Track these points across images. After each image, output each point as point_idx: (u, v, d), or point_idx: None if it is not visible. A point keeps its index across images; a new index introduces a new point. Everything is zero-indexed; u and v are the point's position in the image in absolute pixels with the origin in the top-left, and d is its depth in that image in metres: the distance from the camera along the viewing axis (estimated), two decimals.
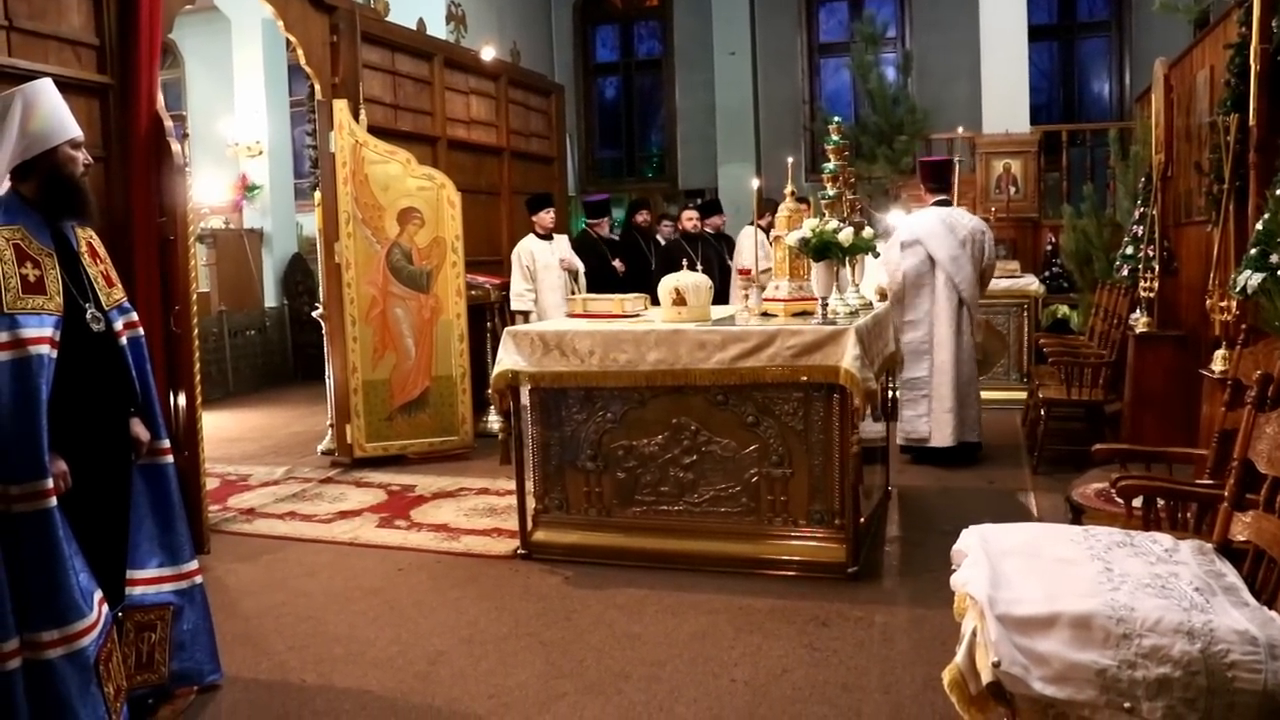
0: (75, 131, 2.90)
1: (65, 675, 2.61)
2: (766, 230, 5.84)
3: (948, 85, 10.99)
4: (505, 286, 7.75)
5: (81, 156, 2.91)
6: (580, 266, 7.95)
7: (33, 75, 3.19)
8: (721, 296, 7.21)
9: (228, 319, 10.25)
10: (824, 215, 4.54)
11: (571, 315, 5.01)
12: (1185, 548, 2.31)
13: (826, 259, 4.27)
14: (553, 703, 3.17)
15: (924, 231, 6.00)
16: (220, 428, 8.06)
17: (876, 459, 5.08)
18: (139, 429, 3.02)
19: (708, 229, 8.73)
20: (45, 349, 2.66)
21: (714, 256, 8.38)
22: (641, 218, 9.05)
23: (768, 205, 7.31)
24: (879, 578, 4.18)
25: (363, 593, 4.22)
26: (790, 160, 4.95)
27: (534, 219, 7.89)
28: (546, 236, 7.87)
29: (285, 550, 4.86)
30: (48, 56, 4.34)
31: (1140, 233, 6.26)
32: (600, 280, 8.02)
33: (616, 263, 8.35)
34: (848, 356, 4.01)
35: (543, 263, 7.76)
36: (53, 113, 2.86)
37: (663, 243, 9.02)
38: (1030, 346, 7.74)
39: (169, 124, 4.69)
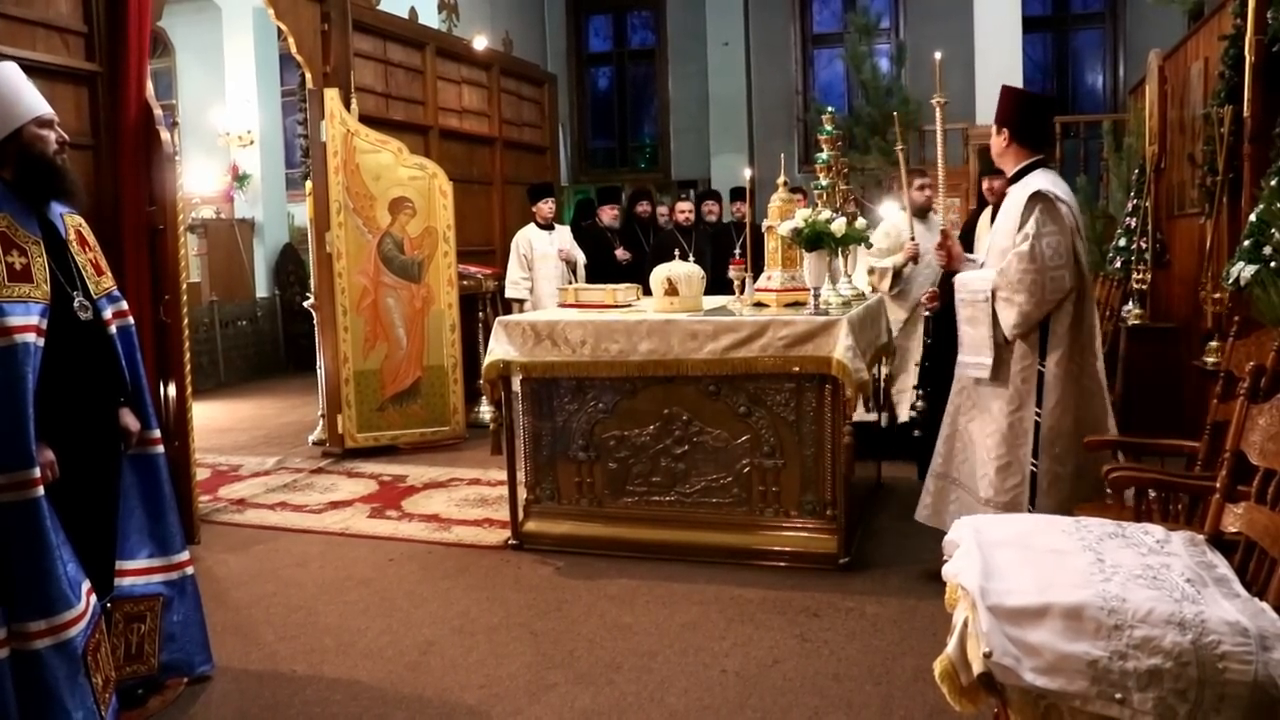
0: (42, 109, 2.85)
1: (53, 665, 2.59)
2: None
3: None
4: (498, 276, 7.73)
5: (53, 135, 2.85)
6: (581, 258, 7.92)
7: (20, 63, 3.14)
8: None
9: (218, 309, 10.21)
10: (816, 205, 4.53)
11: (563, 305, 4.99)
12: (1177, 539, 2.30)
13: (819, 249, 4.26)
14: (544, 693, 3.16)
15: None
16: (211, 418, 8.04)
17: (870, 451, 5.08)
18: (129, 419, 3.01)
19: (716, 215, 8.73)
20: (31, 337, 2.64)
21: (707, 247, 8.36)
22: (642, 208, 9.05)
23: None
24: (870, 569, 4.18)
25: (354, 583, 4.21)
26: (783, 156, 4.93)
27: (534, 208, 7.88)
28: (547, 226, 7.85)
29: (276, 541, 4.84)
30: (35, 43, 4.29)
31: (1133, 225, 6.27)
32: (603, 269, 7.98)
33: (619, 251, 8.31)
34: (840, 347, 4.00)
35: (540, 252, 7.75)
36: (14, 93, 2.81)
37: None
38: None
39: (158, 112, 4.65)
